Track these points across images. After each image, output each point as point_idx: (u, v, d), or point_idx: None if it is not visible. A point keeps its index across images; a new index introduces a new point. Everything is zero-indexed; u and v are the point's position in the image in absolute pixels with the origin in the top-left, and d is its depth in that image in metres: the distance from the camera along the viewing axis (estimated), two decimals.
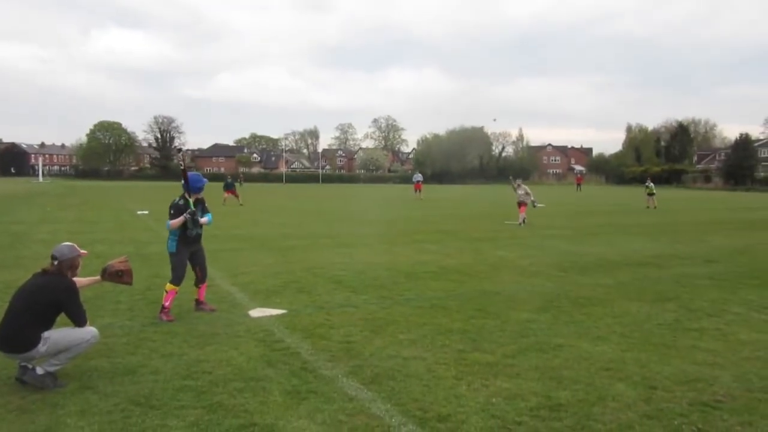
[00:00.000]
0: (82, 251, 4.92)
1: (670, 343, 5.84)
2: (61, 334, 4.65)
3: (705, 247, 13.65)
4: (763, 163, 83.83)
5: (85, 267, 5.43)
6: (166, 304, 6.66)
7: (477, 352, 5.46)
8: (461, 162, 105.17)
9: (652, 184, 30.71)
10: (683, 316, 6.97)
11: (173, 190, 52.79)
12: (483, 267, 10.58)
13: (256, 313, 6.93)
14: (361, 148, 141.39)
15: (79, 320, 4.74)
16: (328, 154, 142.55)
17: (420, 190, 39.00)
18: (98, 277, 5.36)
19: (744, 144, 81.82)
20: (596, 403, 4.28)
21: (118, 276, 5.36)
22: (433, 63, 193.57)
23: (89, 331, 4.78)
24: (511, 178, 24.00)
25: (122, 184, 72.28)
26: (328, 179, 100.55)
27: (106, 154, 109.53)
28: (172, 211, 6.70)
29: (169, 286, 6.71)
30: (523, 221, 19.33)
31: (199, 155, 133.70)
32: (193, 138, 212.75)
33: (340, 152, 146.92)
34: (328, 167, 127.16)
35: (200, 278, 7.10)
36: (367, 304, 7.49)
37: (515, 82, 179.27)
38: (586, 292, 8.34)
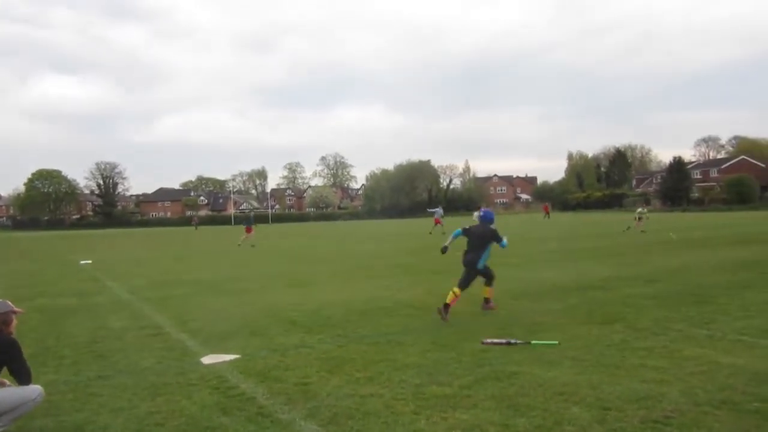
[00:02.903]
0: (17, 309, 4.70)
1: (620, 363, 6.00)
2: (3, 395, 4.44)
3: (647, 268, 14.13)
4: (697, 184, 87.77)
5: (25, 323, 5.23)
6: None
7: (434, 386, 5.48)
8: (410, 195, 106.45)
9: (644, 210, 32.08)
10: (630, 336, 7.18)
11: (117, 237, 51.24)
12: (436, 299, 10.61)
13: (208, 359, 6.77)
14: (310, 186, 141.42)
15: (24, 378, 4.53)
16: (277, 193, 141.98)
17: (440, 224, 36.89)
18: None
19: (678, 167, 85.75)
20: (553, 428, 4.35)
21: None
22: (380, 99, 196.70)
23: (34, 389, 4.56)
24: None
25: (64, 234, 69.84)
26: (278, 219, 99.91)
27: (46, 203, 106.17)
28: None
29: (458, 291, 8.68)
30: None
31: (143, 200, 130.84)
32: (138, 183, 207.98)
33: (289, 191, 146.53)
34: (277, 207, 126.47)
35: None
36: (322, 343, 7.43)
37: (461, 115, 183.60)
38: (538, 318, 8.50)
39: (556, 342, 6.65)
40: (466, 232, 9.15)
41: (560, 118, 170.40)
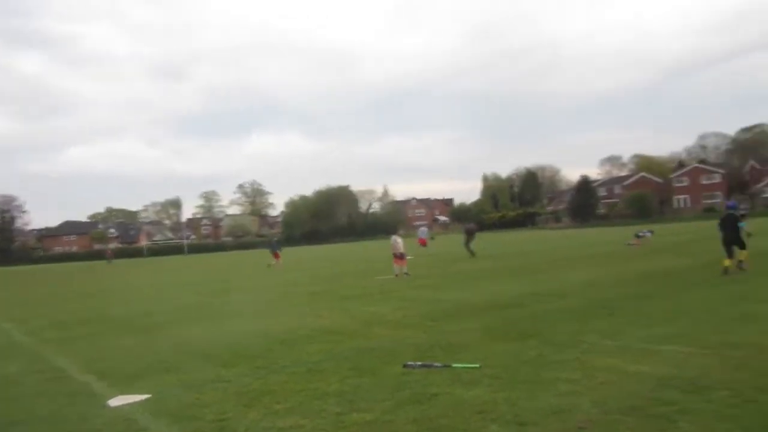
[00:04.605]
0: None
1: (536, 378, 6.14)
2: None
3: (559, 284, 14.67)
4: (602, 201, 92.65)
5: None
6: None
7: (355, 413, 5.40)
8: (330, 221, 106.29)
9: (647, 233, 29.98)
10: (545, 350, 7.38)
11: (15, 275, 47.88)
12: (356, 325, 10.60)
13: (116, 401, 6.38)
14: (227, 215, 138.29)
15: None
16: (192, 223, 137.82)
17: (425, 245, 35.74)
18: None
19: (585, 185, 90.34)
20: None
21: None
22: (297, 125, 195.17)
23: None
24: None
25: None
26: (194, 249, 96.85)
27: None
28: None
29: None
30: (404, 273, 19.74)
31: (46, 234, 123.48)
32: (40, 216, 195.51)
33: (205, 221, 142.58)
34: (193, 237, 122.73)
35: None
36: (240, 376, 7.18)
37: (378, 139, 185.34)
38: (457, 338, 8.60)
39: (478, 365, 6.72)
40: None
41: (474, 141, 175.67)
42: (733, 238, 14.14)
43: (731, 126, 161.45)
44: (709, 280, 13.21)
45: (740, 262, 14.04)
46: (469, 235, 29.61)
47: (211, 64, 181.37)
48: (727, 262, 13.89)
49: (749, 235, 14.68)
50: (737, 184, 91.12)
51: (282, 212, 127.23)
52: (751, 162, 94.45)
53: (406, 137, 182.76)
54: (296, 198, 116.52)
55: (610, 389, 5.56)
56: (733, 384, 5.38)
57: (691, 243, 27.25)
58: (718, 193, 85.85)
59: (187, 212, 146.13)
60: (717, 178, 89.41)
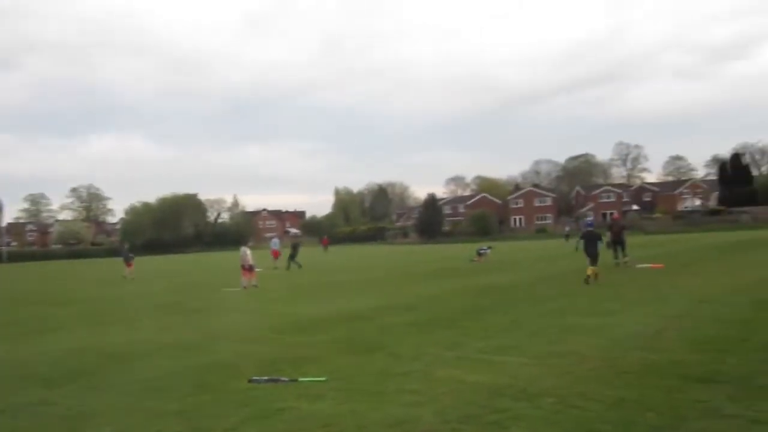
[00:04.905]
0: None
1: (381, 390, 6.27)
2: None
3: (406, 297, 15.15)
4: (448, 218, 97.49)
5: None
6: None
7: None
8: (175, 230, 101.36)
9: (487, 250, 30.82)
10: (390, 362, 7.57)
11: None
12: (201, 339, 10.15)
13: None
14: (57, 221, 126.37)
15: None
16: (15, 228, 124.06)
17: (278, 257, 33.13)
18: None
19: (432, 202, 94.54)
20: None
21: None
22: (143, 129, 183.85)
23: None
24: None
25: None
26: (16, 257, 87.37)
27: None
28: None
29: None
30: (252, 286, 19.32)
31: None
32: None
33: (30, 226, 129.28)
34: (14, 244, 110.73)
35: None
36: (65, 398, 6.55)
37: (231, 148, 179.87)
38: (303, 351, 8.55)
39: (324, 378, 6.72)
40: None
41: (328, 154, 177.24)
42: (592, 253, 16.00)
43: (562, 154, 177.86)
44: (539, 294, 14.33)
45: (588, 276, 15.59)
46: (294, 249, 30.82)
47: (46, 56, 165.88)
48: (590, 271, 15.67)
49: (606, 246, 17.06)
50: (565, 207, 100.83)
51: (122, 219, 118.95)
52: (577, 188, 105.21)
53: (260, 147, 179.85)
54: (138, 205, 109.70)
55: (450, 399, 5.82)
56: (558, 391, 5.87)
57: (525, 260, 29.47)
58: (550, 215, 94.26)
59: (9, 217, 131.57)
60: (548, 201, 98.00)
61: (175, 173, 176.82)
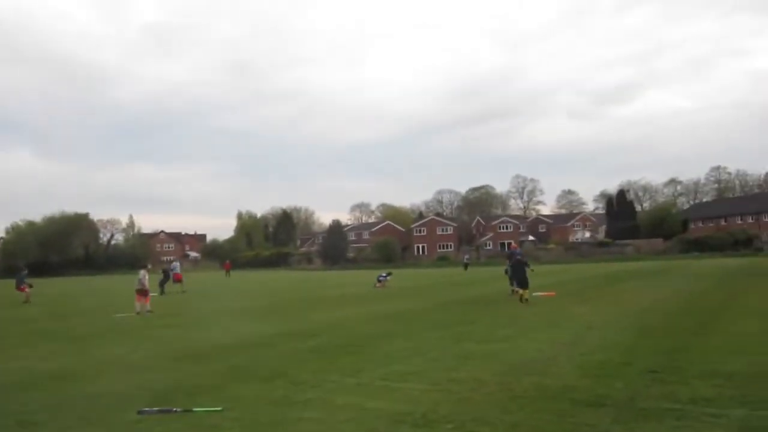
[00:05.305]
0: None
1: (279, 419, 6.09)
2: None
3: (309, 323, 14.96)
4: (352, 245, 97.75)
5: None
6: None
7: None
8: (63, 252, 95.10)
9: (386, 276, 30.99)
10: (290, 390, 7.40)
11: None
12: (87, 368, 9.49)
13: None
14: None
15: None
16: None
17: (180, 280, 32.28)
18: None
19: (337, 228, 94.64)
20: None
21: None
22: (27, 143, 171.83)
23: None
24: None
25: None
26: None
27: None
28: None
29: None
30: (146, 311, 18.48)
31: None
32: None
33: None
34: None
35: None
36: None
37: (127, 167, 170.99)
38: (200, 380, 8.20)
39: (220, 408, 6.45)
40: None
41: (231, 178, 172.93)
42: (521, 279, 18.43)
43: (463, 184, 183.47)
44: (440, 320, 14.58)
45: (521, 297, 17.92)
46: (165, 274, 30.80)
47: None
48: (524, 293, 18.03)
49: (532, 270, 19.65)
50: (466, 237, 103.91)
51: (2, 239, 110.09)
52: (478, 218, 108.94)
53: (159, 167, 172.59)
54: (21, 223, 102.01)
55: (351, 426, 5.75)
56: (457, 416, 5.94)
57: (427, 288, 29.98)
58: (451, 243, 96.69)
59: None
60: (450, 230, 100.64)
61: (63, 191, 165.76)
